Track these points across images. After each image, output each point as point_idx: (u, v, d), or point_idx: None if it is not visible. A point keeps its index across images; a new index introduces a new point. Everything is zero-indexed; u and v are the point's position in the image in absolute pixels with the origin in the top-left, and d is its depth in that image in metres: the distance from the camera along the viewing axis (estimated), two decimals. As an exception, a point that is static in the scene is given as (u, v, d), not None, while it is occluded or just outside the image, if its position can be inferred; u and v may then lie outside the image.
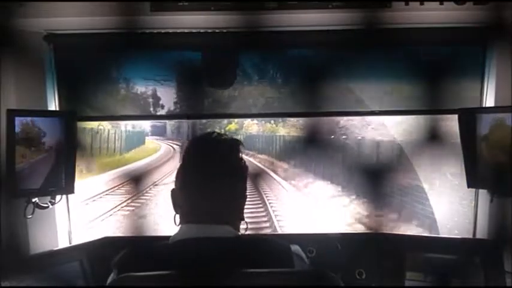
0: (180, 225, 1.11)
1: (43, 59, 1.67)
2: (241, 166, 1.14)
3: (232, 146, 1.13)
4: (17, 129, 1.48)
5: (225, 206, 1.09)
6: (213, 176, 1.09)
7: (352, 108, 1.95)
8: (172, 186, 1.15)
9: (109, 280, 1.04)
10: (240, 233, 1.13)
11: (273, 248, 1.08)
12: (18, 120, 1.48)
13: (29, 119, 1.50)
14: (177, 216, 1.13)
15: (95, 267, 1.56)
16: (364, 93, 1.88)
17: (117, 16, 1.52)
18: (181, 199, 1.12)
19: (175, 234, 1.09)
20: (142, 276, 0.95)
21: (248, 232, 1.18)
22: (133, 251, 1.06)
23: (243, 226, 1.16)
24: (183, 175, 1.12)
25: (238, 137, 1.31)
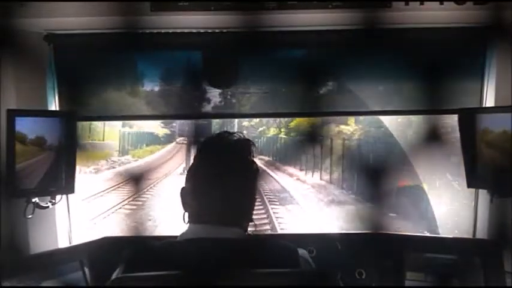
0: (188, 224, 1.10)
1: (43, 59, 1.67)
2: (253, 167, 1.12)
3: (244, 146, 1.12)
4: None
5: (234, 207, 1.08)
6: (224, 177, 1.07)
7: (352, 108, 1.95)
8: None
9: (114, 275, 1.04)
10: (248, 234, 1.13)
11: (280, 250, 1.07)
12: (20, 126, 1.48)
13: (29, 120, 1.50)
14: (186, 214, 1.12)
15: (95, 267, 1.56)
16: (364, 93, 1.88)
17: (117, 16, 1.52)
18: (191, 198, 1.10)
19: (183, 233, 1.09)
20: (139, 276, 0.95)
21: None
22: (141, 247, 1.06)
23: (251, 227, 1.15)
24: (194, 174, 1.11)
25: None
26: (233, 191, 1.08)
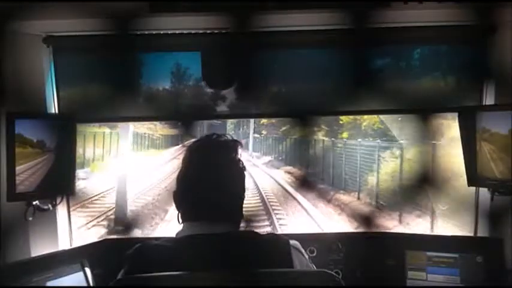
0: (182, 223, 1.15)
1: (42, 61, 1.67)
2: (240, 166, 1.18)
3: (230, 146, 1.17)
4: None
5: (224, 205, 1.13)
6: (212, 176, 1.13)
7: (352, 108, 1.95)
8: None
9: (120, 275, 1.07)
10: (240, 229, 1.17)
11: (271, 241, 1.13)
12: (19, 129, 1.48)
13: (29, 123, 1.50)
14: (179, 215, 1.17)
15: (95, 269, 1.56)
16: (363, 92, 1.87)
17: (116, 18, 1.51)
18: (182, 198, 1.15)
19: (179, 231, 1.14)
20: (143, 277, 0.98)
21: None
22: (142, 246, 1.10)
23: (243, 224, 1.19)
24: (183, 176, 1.16)
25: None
26: (221, 189, 1.13)
